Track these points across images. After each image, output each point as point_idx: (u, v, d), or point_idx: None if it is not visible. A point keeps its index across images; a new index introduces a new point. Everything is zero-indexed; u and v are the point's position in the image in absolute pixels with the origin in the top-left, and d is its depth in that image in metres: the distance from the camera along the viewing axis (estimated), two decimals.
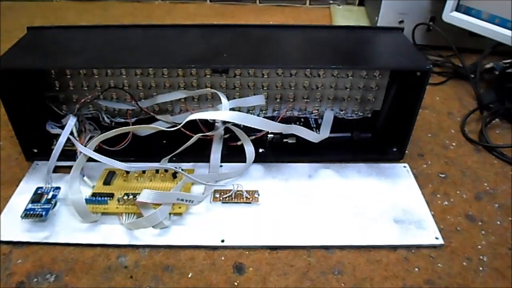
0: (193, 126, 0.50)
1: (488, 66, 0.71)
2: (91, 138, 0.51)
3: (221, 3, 1.08)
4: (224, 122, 0.51)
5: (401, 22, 0.82)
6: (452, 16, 0.71)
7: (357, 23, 0.95)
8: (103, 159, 0.46)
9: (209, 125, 0.52)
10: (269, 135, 0.55)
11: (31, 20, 0.96)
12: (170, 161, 0.51)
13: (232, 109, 0.51)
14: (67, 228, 0.44)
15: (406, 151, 0.55)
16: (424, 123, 0.63)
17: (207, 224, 0.45)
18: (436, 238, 0.45)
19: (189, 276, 0.41)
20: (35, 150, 0.52)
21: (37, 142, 0.52)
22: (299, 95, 0.56)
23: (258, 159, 0.52)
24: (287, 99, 0.56)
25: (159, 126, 0.49)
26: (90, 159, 0.48)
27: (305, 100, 0.56)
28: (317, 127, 0.55)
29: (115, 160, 0.46)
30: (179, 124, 0.47)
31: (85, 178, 0.49)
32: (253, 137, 0.53)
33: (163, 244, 0.43)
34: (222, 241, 0.44)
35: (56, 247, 0.43)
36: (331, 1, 1.07)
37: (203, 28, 0.56)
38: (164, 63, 0.49)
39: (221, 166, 0.52)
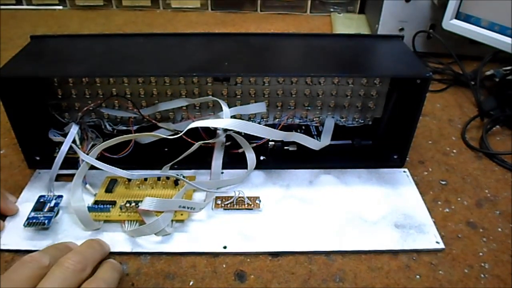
0: (195, 133, 0.50)
1: (488, 73, 0.72)
2: (93, 146, 0.51)
3: (222, 12, 1.09)
4: (225, 130, 0.51)
5: (401, 30, 0.83)
6: (452, 23, 0.72)
7: (357, 31, 0.96)
8: (105, 167, 0.47)
9: (211, 132, 0.52)
10: (270, 143, 0.55)
11: (34, 29, 0.97)
12: (171, 168, 0.51)
13: (233, 117, 0.51)
14: (70, 236, 0.45)
15: (407, 158, 0.55)
16: (424, 130, 0.63)
17: (209, 231, 0.46)
18: (437, 243, 0.45)
19: (190, 283, 0.41)
20: (38, 158, 0.53)
21: (40, 150, 0.52)
22: (300, 102, 0.56)
23: (259, 166, 0.52)
24: (288, 106, 0.56)
25: (160, 133, 0.49)
26: (92, 167, 0.48)
27: (306, 107, 0.56)
28: (318, 135, 0.56)
29: (117, 168, 0.47)
30: (181, 131, 0.47)
31: (87, 186, 0.49)
32: (254, 144, 0.53)
33: (165, 251, 0.43)
34: (224, 247, 0.44)
35: None
36: (332, 9, 1.07)
37: (204, 37, 0.56)
38: (166, 71, 0.49)
39: (222, 173, 0.52)
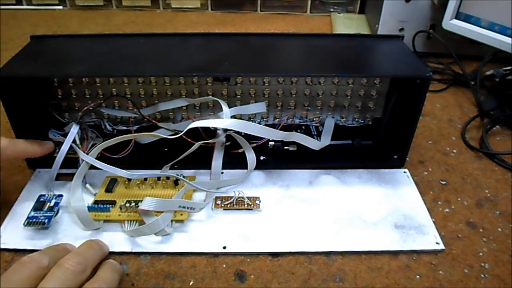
0: (195, 133, 0.50)
1: (488, 73, 0.72)
2: (93, 145, 0.51)
3: (222, 12, 1.09)
4: (225, 130, 0.51)
5: (402, 30, 0.83)
6: (452, 23, 0.72)
7: (357, 31, 0.96)
8: (105, 167, 0.47)
9: (211, 132, 0.52)
10: (270, 143, 0.55)
11: (34, 29, 0.97)
12: (171, 168, 0.51)
13: (233, 117, 0.51)
14: (70, 235, 0.45)
15: (407, 158, 0.55)
16: (424, 130, 0.63)
17: (208, 231, 0.46)
18: (437, 243, 0.45)
19: (190, 284, 0.41)
20: (38, 158, 0.52)
21: None
22: (300, 102, 0.56)
23: (259, 166, 0.52)
24: (288, 106, 0.56)
25: (161, 133, 0.49)
26: (92, 167, 0.48)
27: (306, 107, 0.56)
28: (318, 135, 0.56)
29: (117, 168, 0.47)
30: (181, 131, 0.47)
31: (87, 185, 0.49)
32: (254, 144, 0.53)
33: (165, 251, 0.43)
34: (224, 247, 0.44)
35: None
36: (332, 9, 1.07)
37: (204, 37, 0.56)
38: (166, 71, 0.49)
39: (222, 173, 0.52)
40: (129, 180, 0.50)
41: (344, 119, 0.58)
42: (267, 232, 0.46)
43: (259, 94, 0.55)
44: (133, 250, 0.43)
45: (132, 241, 0.44)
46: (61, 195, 0.48)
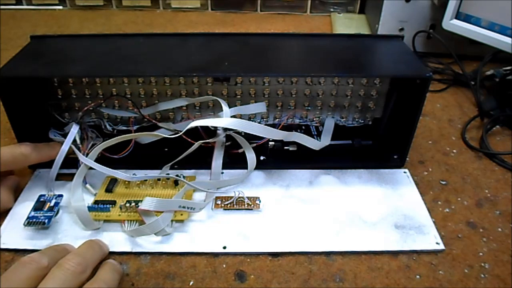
0: (195, 133, 0.50)
1: (488, 73, 0.72)
2: (93, 145, 0.51)
3: (222, 12, 1.09)
4: (225, 130, 0.51)
5: (402, 29, 0.83)
6: (452, 23, 0.72)
7: (357, 31, 0.96)
8: (104, 169, 0.47)
9: (211, 132, 0.52)
10: (270, 143, 0.55)
11: (33, 29, 0.96)
12: (171, 168, 0.52)
13: (233, 117, 0.51)
14: (70, 235, 0.45)
15: (407, 158, 0.55)
16: (424, 130, 0.63)
17: (208, 231, 0.46)
18: (437, 243, 0.45)
19: (190, 284, 0.41)
20: None
21: None
22: (300, 102, 0.56)
23: (259, 166, 0.52)
24: (288, 106, 0.56)
25: (161, 133, 0.49)
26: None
27: (306, 107, 0.56)
28: (318, 135, 0.56)
29: (116, 171, 0.47)
30: (181, 131, 0.47)
31: (87, 185, 0.49)
32: (254, 144, 0.53)
33: (165, 251, 0.43)
34: (224, 247, 0.44)
35: None
36: (332, 9, 1.07)
37: (204, 37, 0.56)
38: (166, 71, 0.49)
39: (222, 173, 0.52)
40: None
41: (344, 119, 0.58)
42: (267, 232, 0.46)
43: (259, 94, 0.55)
44: (133, 250, 0.43)
45: (132, 241, 0.44)
46: (61, 195, 0.48)
